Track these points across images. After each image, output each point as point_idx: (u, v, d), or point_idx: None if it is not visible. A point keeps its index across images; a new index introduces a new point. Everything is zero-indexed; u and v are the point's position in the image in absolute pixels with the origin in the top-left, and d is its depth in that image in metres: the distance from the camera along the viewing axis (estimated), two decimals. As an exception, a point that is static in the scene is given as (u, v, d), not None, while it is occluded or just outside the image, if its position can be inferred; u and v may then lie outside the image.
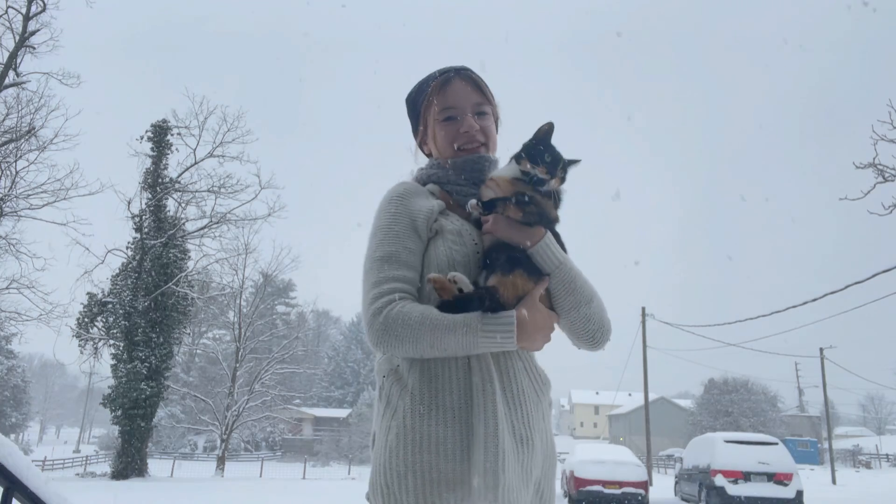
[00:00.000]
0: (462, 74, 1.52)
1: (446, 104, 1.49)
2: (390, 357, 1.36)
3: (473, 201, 1.37)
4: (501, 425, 1.22)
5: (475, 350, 1.25)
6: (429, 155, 1.58)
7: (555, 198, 1.37)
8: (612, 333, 1.39)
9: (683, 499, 16.37)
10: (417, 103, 1.56)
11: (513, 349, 1.28)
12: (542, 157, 1.33)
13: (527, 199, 1.33)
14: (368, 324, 1.28)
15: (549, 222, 1.36)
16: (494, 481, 1.18)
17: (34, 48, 20.90)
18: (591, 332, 1.35)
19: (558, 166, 1.34)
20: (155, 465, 26.33)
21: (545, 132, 1.36)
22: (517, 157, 1.37)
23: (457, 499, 1.21)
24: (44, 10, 20.90)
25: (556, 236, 1.39)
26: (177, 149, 25.30)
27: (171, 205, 25.23)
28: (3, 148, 21.03)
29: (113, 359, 22.90)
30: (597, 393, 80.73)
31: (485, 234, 1.37)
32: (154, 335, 23.14)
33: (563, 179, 1.36)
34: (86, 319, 22.97)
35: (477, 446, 1.20)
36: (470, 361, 1.28)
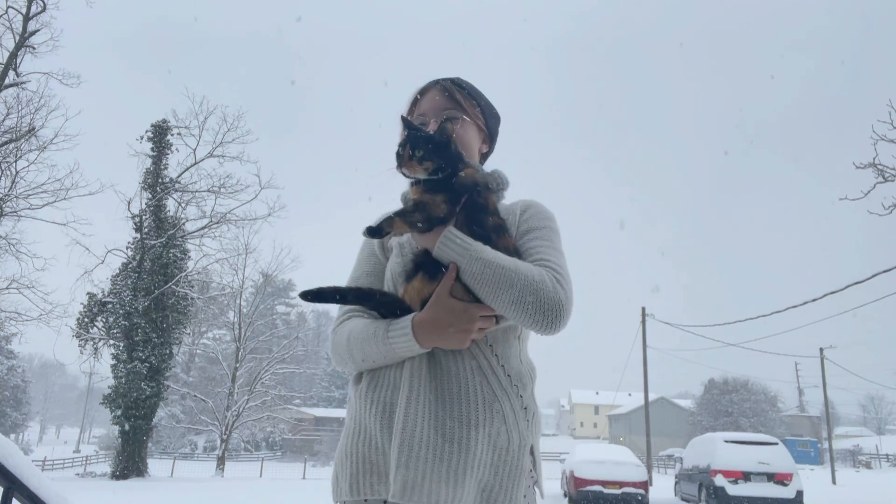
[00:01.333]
0: (438, 84, 1.55)
1: (418, 113, 1.55)
2: None
3: (364, 228, 1.34)
4: (420, 423, 1.24)
5: (398, 356, 1.31)
6: None
7: (450, 188, 1.31)
8: (569, 309, 1.26)
9: (683, 499, 16.36)
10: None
11: (424, 350, 1.29)
12: (397, 154, 1.34)
13: (408, 207, 1.31)
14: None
15: (440, 221, 1.30)
16: (402, 476, 1.21)
17: (34, 48, 20.90)
18: (531, 316, 1.23)
19: (403, 153, 1.32)
20: (155, 465, 26.33)
21: (405, 127, 1.39)
22: None
23: (385, 490, 1.26)
24: (44, 10, 20.91)
25: (480, 226, 1.32)
26: (177, 149, 25.32)
27: (171, 205, 25.25)
28: (3, 148, 21.02)
29: (113, 359, 22.90)
30: (597, 393, 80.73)
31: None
32: (154, 335, 23.13)
33: (421, 159, 1.30)
34: (86, 319, 22.97)
35: (393, 440, 1.25)
36: (405, 360, 1.33)
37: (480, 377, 1.31)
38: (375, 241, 1.48)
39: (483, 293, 1.25)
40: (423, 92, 1.57)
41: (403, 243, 1.44)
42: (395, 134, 1.49)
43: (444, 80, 1.57)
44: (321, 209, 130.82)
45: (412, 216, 1.30)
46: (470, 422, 1.27)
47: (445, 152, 1.32)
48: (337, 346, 1.39)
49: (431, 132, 1.34)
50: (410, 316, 1.29)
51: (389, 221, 1.31)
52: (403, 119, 1.43)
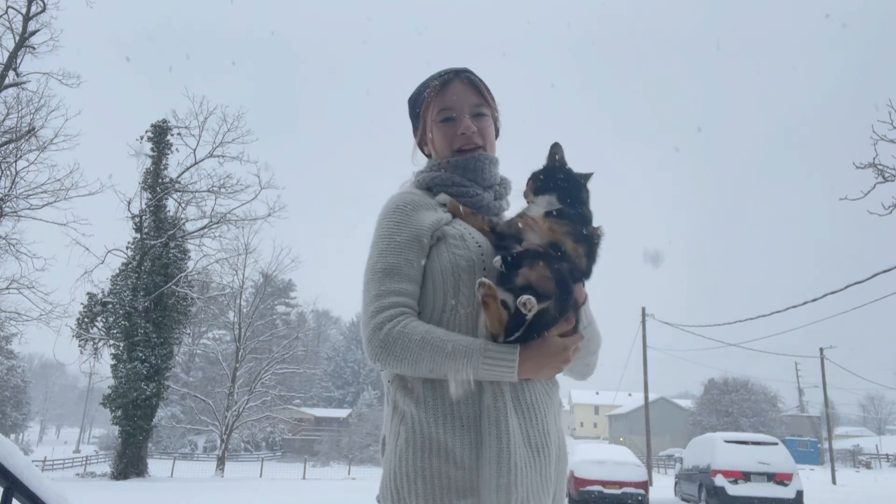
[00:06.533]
0: (461, 76, 1.50)
1: (444, 105, 1.48)
2: None
3: (498, 259, 1.23)
4: (514, 440, 1.21)
5: (474, 378, 1.23)
6: (429, 156, 1.57)
7: (589, 247, 1.28)
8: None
9: (683, 499, 16.37)
10: (417, 104, 1.55)
11: (513, 381, 1.25)
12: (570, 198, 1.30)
13: (559, 254, 1.22)
14: (368, 339, 1.27)
15: (581, 276, 1.29)
16: (507, 498, 1.18)
17: (34, 48, 20.90)
18: (584, 374, 1.49)
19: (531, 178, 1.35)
20: (155, 465, 26.34)
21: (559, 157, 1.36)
22: (543, 191, 1.31)
23: None
24: (44, 10, 20.91)
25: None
26: (177, 149, 25.36)
27: (171, 205, 25.29)
28: (3, 148, 21.02)
29: (113, 359, 22.92)
30: (597, 393, 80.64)
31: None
32: (154, 335, 23.14)
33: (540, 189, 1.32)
34: (86, 319, 22.98)
35: (488, 461, 1.20)
36: None
37: (540, 382, 1.34)
38: (425, 230, 1.34)
39: (582, 351, 1.39)
40: (443, 83, 1.49)
41: (464, 234, 1.35)
42: (404, 127, 1.46)
43: (462, 71, 1.51)
44: (321, 209, 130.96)
45: (559, 263, 1.21)
46: (546, 429, 1.29)
47: (576, 189, 1.32)
48: (401, 344, 1.23)
49: (568, 167, 1.34)
50: (516, 350, 1.22)
51: (531, 261, 1.20)
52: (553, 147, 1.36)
